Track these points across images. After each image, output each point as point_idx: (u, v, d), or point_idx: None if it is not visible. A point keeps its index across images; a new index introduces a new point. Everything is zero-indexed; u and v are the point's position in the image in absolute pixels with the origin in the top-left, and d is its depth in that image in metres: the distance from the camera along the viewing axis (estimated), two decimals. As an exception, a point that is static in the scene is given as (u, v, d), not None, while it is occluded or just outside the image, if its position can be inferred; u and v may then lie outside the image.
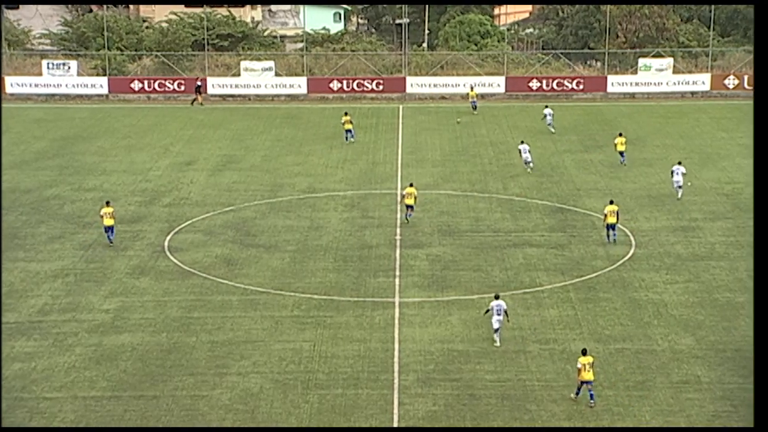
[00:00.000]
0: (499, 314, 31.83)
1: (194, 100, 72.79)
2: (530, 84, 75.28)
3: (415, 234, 43.14)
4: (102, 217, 41.92)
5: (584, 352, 28.40)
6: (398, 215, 45.68)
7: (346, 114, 62.28)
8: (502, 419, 27.41)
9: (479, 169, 54.18)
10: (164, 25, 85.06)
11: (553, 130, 62.26)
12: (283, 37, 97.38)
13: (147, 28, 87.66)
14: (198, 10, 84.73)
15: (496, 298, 32.46)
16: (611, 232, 41.53)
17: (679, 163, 48.49)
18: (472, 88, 71.13)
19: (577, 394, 28.35)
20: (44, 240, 42.62)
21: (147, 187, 50.97)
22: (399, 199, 46.21)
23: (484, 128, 64.55)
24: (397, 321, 33.95)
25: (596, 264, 39.30)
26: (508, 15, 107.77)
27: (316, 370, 30.36)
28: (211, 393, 29.01)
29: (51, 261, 40.02)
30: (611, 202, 42.18)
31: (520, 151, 54.10)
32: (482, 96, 74.71)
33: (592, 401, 28.03)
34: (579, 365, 28.09)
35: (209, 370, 30.45)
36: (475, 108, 69.39)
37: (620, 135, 55.82)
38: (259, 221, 45.25)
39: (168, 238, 42.89)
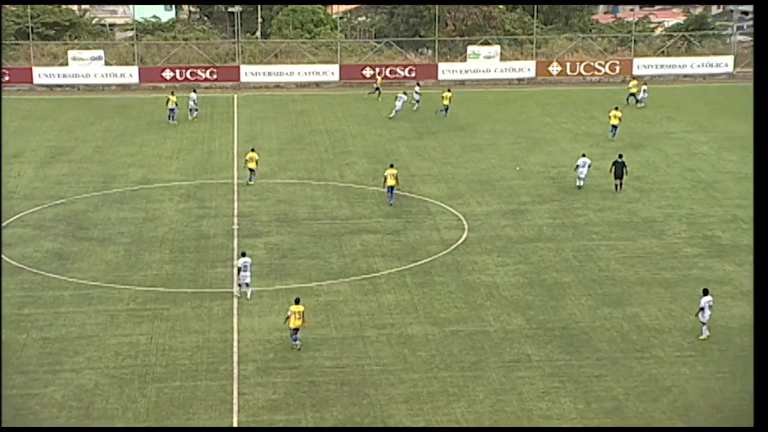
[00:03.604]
0: (246, 270, 34.29)
1: None
2: (363, 72, 76.01)
3: (253, 223, 43.09)
4: None
5: (297, 301, 30.93)
6: (235, 205, 45.53)
7: (172, 93, 64.04)
8: (342, 405, 27.81)
9: (316, 157, 54.46)
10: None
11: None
12: (112, 25, 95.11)
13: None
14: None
15: (243, 255, 34.78)
16: (389, 194, 45.17)
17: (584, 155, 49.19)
18: (449, 90, 66.81)
19: (294, 340, 30.77)
20: None
21: (-29, 182, 49.07)
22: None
23: (320, 116, 64.83)
24: (235, 311, 33.91)
25: (431, 249, 40.19)
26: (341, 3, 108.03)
27: (153, 364, 30.05)
28: (43, 391, 28.33)
29: None
30: (391, 166, 46.20)
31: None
32: (317, 84, 75.25)
33: (296, 344, 30.79)
34: (289, 312, 30.61)
35: (41, 367, 29.73)
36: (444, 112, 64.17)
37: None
38: (91, 214, 44.25)
39: (-5, 233, 41.49)
